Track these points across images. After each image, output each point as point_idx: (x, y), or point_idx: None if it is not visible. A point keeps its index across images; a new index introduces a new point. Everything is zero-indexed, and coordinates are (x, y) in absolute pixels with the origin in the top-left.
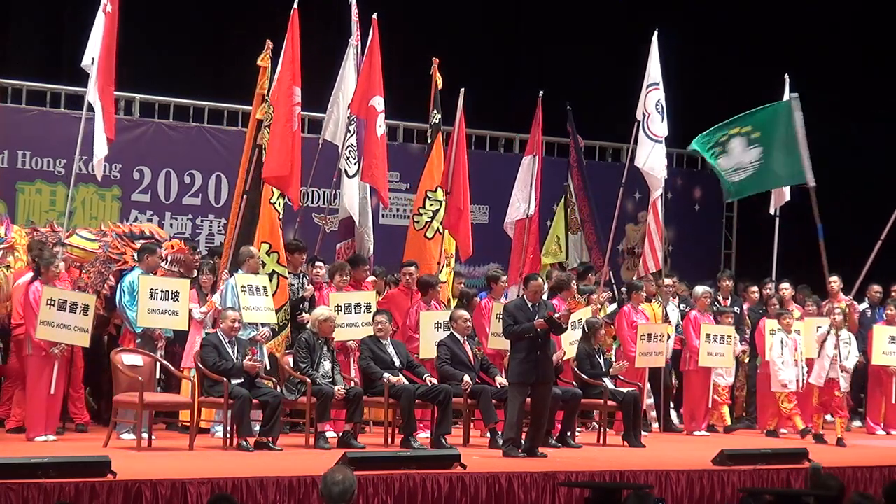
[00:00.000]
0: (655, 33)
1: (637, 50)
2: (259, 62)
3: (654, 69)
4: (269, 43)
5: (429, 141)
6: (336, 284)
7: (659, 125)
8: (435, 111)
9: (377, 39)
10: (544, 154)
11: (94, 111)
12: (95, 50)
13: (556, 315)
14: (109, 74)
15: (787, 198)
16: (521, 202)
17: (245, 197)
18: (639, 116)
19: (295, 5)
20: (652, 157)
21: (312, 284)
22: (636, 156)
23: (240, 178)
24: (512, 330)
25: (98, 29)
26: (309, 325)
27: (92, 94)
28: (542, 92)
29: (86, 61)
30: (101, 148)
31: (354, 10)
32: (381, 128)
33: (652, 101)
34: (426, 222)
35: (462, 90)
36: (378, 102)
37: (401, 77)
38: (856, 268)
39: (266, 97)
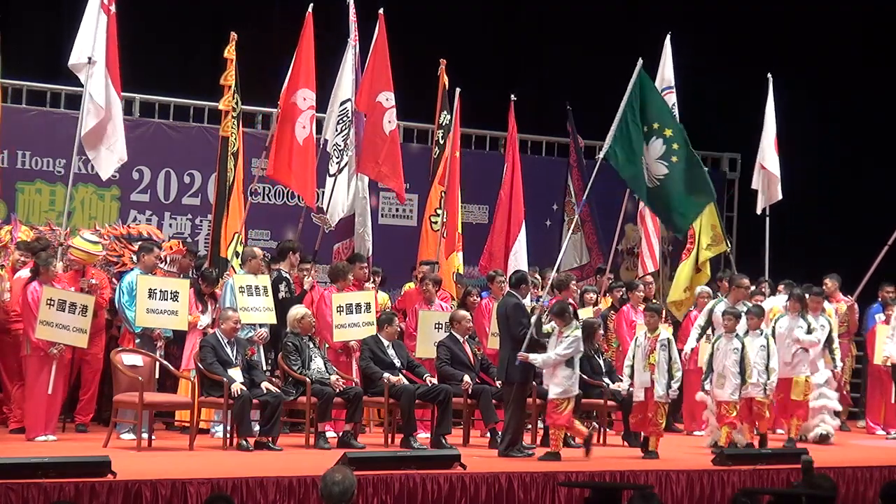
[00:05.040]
0: (668, 36)
1: (638, 50)
2: (225, 55)
3: (668, 72)
4: (233, 35)
5: (441, 141)
6: (338, 286)
7: None
8: (444, 112)
9: (384, 35)
10: (544, 154)
11: (100, 108)
12: (89, 49)
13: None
14: (115, 76)
15: (780, 196)
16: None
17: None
18: None
19: (310, 9)
20: None
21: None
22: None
23: (217, 173)
24: (532, 338)
25: (95, 27)
26: (289, 328)
27: (99, 91)
28: (513, 97)
29: (76, 59)
30: (122, 149)
31: (352, 11)
32: (390, 123)
33: (668, 104)
34: (443, 223)
35: (446, 88)
36: (386, 98)
37: (401, 77)
38: (856, 268)
39: (234, 88)
